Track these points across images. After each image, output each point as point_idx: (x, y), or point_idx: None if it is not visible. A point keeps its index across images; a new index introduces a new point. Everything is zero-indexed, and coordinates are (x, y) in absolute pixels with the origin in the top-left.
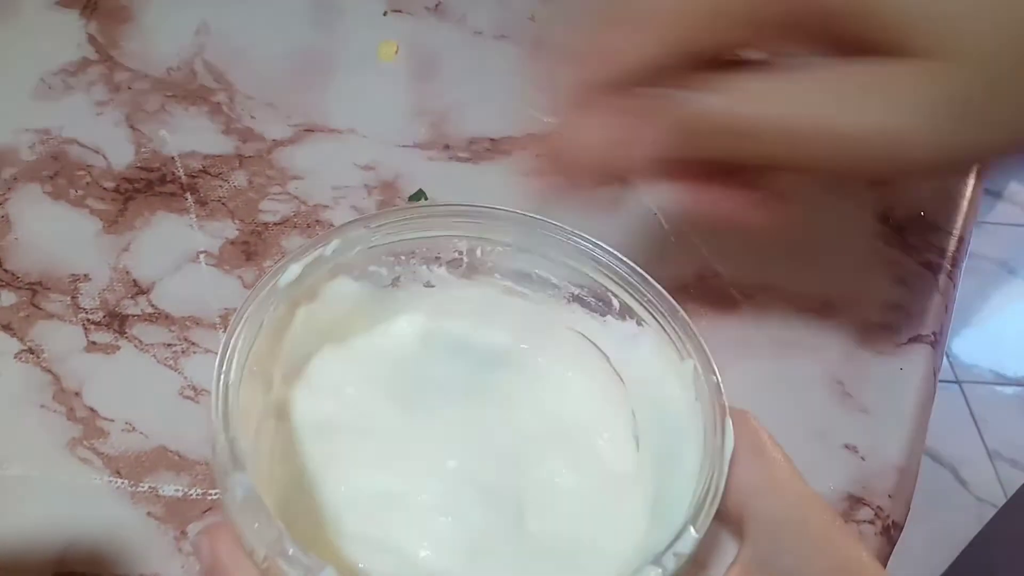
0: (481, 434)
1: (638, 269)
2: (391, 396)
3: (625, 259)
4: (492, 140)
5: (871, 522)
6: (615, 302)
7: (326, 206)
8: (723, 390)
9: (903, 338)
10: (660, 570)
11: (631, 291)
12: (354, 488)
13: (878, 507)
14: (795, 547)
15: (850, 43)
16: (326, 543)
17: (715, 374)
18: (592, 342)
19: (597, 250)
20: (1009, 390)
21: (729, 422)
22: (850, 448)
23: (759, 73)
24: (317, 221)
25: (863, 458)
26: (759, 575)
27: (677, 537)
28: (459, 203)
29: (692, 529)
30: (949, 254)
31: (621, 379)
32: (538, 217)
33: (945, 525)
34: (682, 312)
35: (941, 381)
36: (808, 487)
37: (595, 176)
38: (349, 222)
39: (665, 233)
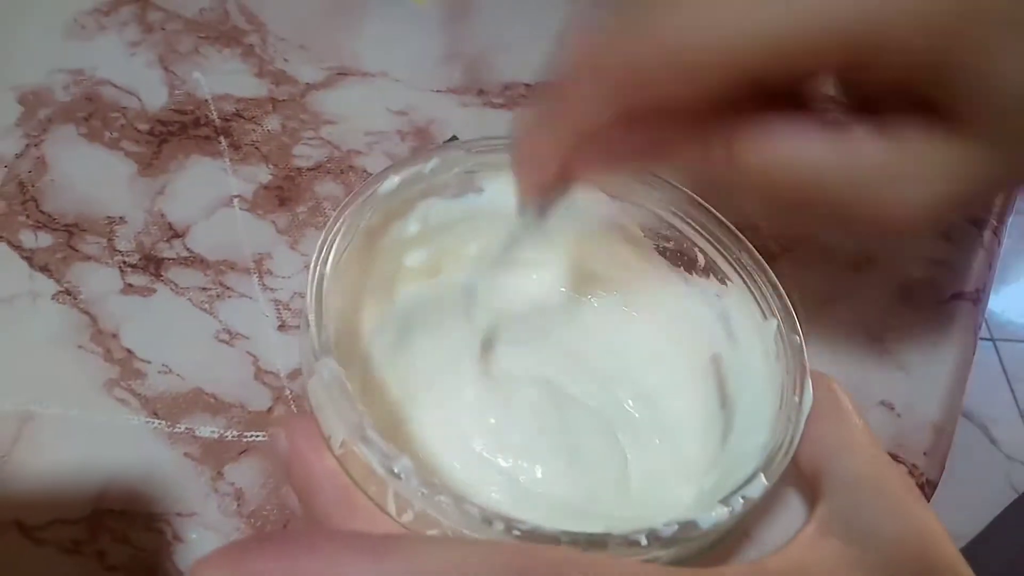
0: (564, 359)
1: (729, 225)
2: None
3: (717, 212)
4: (527, 85)
5: None
6: (701, 258)
7: (359, 152)
8: (805, 350)
9: (945, 295)
10: (728, 509)
11: (719, 247)
12: (433, 393)
13: (913, 465)
14: (872, 508)
15: (897, 91)
16: (403, 439)
17: (798, 334)
18: (675, 292)
19: (688, 202)
20: None
21: (809, 381)
22: (886, 405)
23: (798, 125)
24: (351, 167)
25: (899, 415)
26: (836, 531)
27: (747, 482)
28: None
29: (763, 476)
30: (996, 209)
31: (696, 332)
32: None
33: (975, 483)
34: (771, 272)
35: None
36: (884, 452)
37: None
38: (450, 142)
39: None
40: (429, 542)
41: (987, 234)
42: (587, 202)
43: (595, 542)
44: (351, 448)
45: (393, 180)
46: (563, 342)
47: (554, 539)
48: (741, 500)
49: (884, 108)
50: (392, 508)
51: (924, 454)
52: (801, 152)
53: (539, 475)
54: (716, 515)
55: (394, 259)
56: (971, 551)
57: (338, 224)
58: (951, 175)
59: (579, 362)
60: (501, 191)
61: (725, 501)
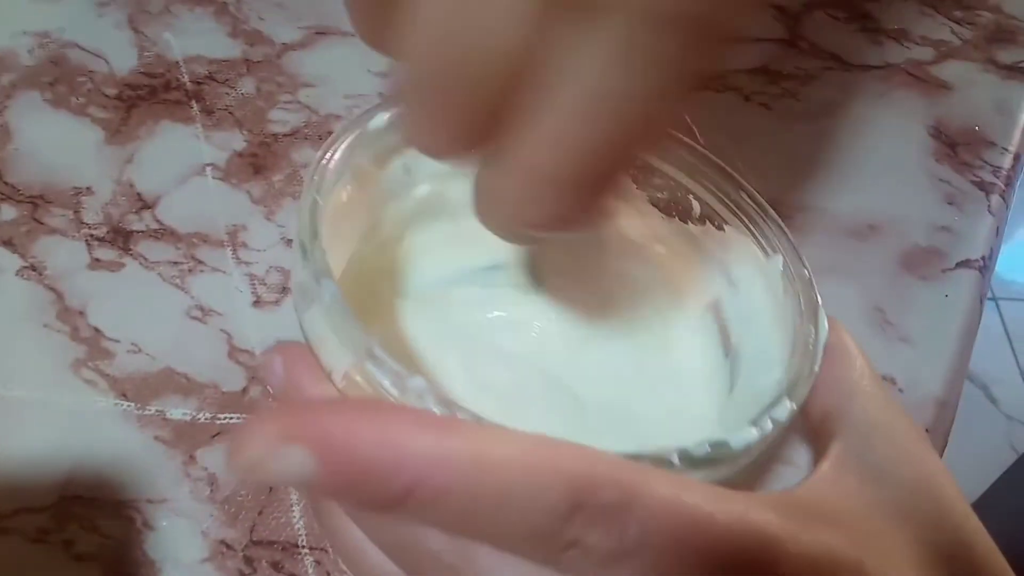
0: (563, 311)
1: (724, 166)
2: (476, 260)
3: (714, 157)
4: None
5: None
6: (696, 205)
7: (338, 116)
8: (815, 283)
9: (950, 263)
10: (756, 430)
11: (718, 192)
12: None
13: None
14: (884, 450)
15: None
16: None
17: (806, 268)
18: (673, 241)
19: (682, 149)
20: None
21: (823, 313)
22: (888, 379)
23: None
24: (329, 132)
25: (901, 390)
26: (852, 469)
27: (773, 404)
28: None
29: (787, 400)
30: (1004, 172)
31: (692, 280)
32: None
33: (975, 443)
34: (772, 211)
35: None
36: (894, 399)
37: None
38: None
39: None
40: (500, 432)
41: (994, 199)
42: None
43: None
44: (355, 378)
45: (382, 117)
46: (559, 295)
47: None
48: (770, 421)
49: None
50: None
51: (927, 429)
52: None
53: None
54: (747, 436)
55: (393, 195)
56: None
57: (329, 153)
58: None
59: (579, 316)
60: None
61: (755, 422)
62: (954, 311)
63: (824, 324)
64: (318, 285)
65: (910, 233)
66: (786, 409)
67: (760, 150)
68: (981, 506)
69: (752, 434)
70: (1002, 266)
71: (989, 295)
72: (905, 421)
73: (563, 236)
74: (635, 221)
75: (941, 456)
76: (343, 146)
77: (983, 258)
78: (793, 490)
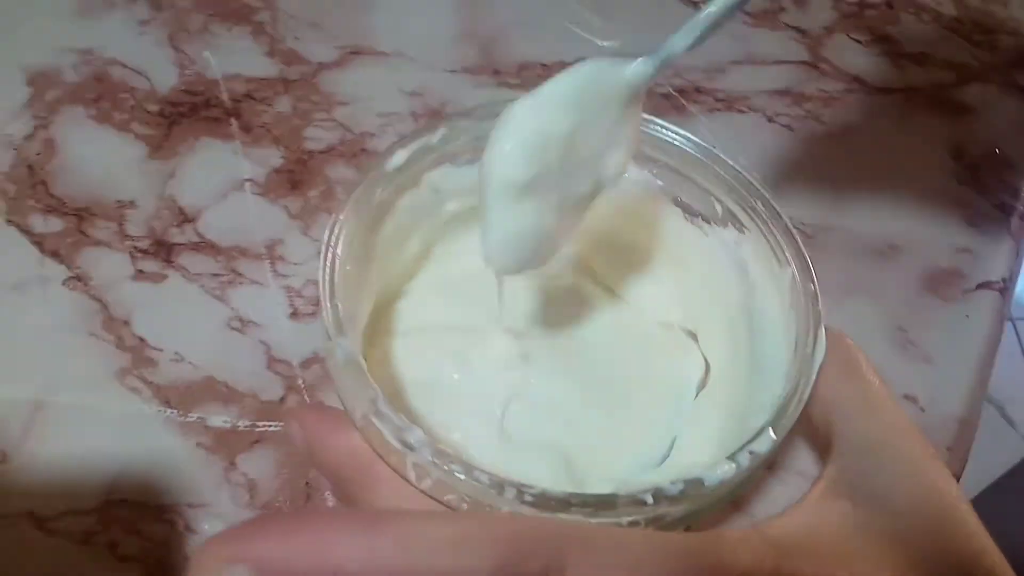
0: (573, 329)
1: (743, 172)
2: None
3: (732, 163)
4: (544, 65)
5: None
6: (718, 207)
7: (372, 134)
8: (820, 298)
9: (971, 284)
10: (734, 465)
11: (735, 197)
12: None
13: None
14: (884, 472)
15: None
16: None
17: (812, 283)
18: (690, 242)
19: (704, 154)
20: None
21: (823, 330)
22: (910, 398)
23: None
24: (363, 150)
25: (923, 409)
26: (844, 494)
27: (755, 437)
28: None
29: (771, 431)
30: None
31: (718, 279)
32: (647, 117)
33: (990, 464)
34: (785, 219)
35: None
36: (903, 413)
37: None
38: (456, 111)
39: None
40: (424, 518)
41: (1014, 220)
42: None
43: (604, 503)
44: (370, 421)
45: (400, 155)
46: (581, 317)
47: (564, 502)
48: (748, 455)
49: None
50: (412, 476)
51: (948, 449)
52: None
53: (576, 436)
54: (722, 472)
55: (409, 236)
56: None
57: (349, 204)
58: None
59: (594, 319)
60: None
61: (732, 457)
62: (975, 332)
63: (823, 343)
64: (331, 341)
65: (932, 254)
66: (768, 442)
67: (783, 171)
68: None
69: (728, 470)
70: (1020, 287)
71: (1007, 315)
72: (910, 437)
73: None
74: (663, 222)
75: (960, 477)
76: (357, 191)
77: (1003, 279)
78: (768, 525)
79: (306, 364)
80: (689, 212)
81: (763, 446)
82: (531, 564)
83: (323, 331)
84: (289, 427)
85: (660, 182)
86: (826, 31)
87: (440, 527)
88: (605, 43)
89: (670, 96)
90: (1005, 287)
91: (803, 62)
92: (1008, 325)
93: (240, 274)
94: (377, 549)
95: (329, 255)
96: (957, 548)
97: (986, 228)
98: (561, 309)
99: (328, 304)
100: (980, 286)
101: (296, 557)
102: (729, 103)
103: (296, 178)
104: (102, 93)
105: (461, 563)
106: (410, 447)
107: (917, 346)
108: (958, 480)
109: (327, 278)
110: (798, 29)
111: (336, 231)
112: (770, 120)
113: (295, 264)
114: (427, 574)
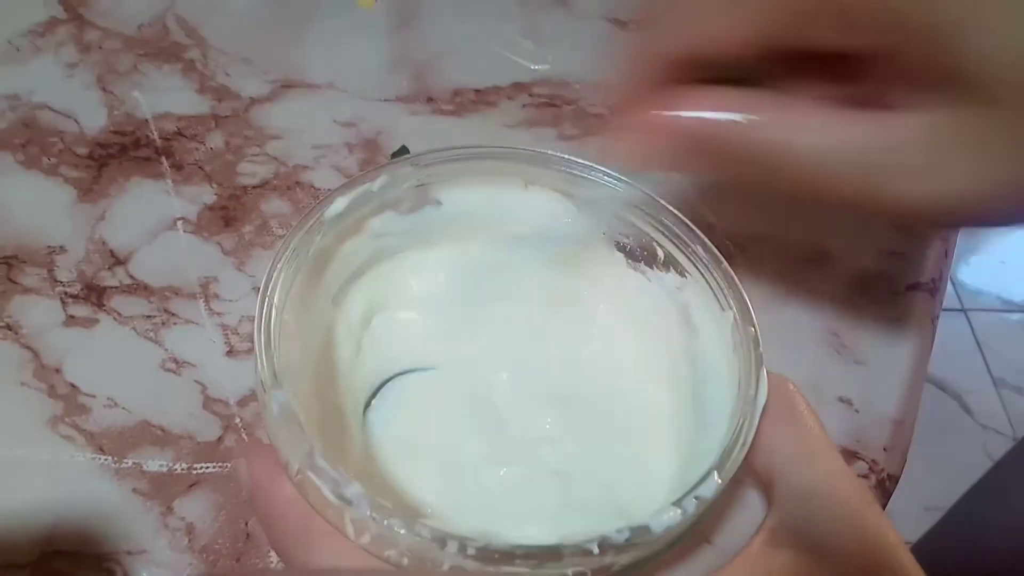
0: (521, 363)
1: (684, 219)
2: (438, 326)
3: (672, 208)
4: (477, 91)
5: (865, 476)
6: (660, 252)
7: (306, 167)
8: (760, 341)
9: (900, 286)
10: (680, 511)
11: (676, 242)
12: (390, 417)
13: (872, 460)
14: (823, 519)
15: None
16: (362, 465)
17: (753, 326)
18: (633, 288)
19: (645, 201)
20: (1015, 316)
21: (764, 372)
22: (844, 401)
23: (812, 107)
24: (297, 183)
25: (857, 411)
26: (786, 541)
27: (700, 482)
28: (511, 146)
29: (716, 475)
30: None
31: (661, 325)
32: (587, 163)
33: (950, 453)
34: (725, 264)
35: (946, 310)
36: (840, 459)
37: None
38: (397, 159)
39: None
40: None
41: None
42: (549, 209)
43: (549, 554)
44: (306, 475)
45: (341, 202)
46: (522, 346)
47: (508, 553)
48: (695, 501)
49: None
50: (350, 531)
51: (884, 449)
52: (836, 133)
53: (512, 485)
54: (668, 519)
55: (349, 280)
56: (949, 521)
57: (286, 251)
58: (979, 156)
59: (543, 367)
60: (461, 201)
61: (678, 503)
62: (906, 333)
63: (765, 386)
64: (266, 393)
65: (861, 259)
66: (713, 487)
67: (714, 183)
68: (958, 513)
69: (674, 516)
70: (972, 277)
71: (959, 306)
72: (848, 484)
73: None
74: (606, 268)
75: (900, 476)
76: (296, 239)
77: (933, 280)
78: None
79: (243, 402)
80: (632, 258)
81: (708, 491)
82: None
83: (257, 382)
84: (238, 466)
85: (603, 229)
86: None
87: None
88: (537, 67)
89: (601, 115)
90: (935, 287)
91: None
92: (962, 316)
93: (173, 314)
94: None
95: (265, 304)
96: None
97: (913, 231)
98: (526, 344)
99: (264, 354)
100: (910, 287)
101: None
102: None
103: (230, 214)
104: (30, 138)
105: None
106: (347, 502)
107: (850, 349)
108: (896, 480)
109: (263, 327)
110: None
111: (273, 279)
112: None
113: (230, 301)
114: None
